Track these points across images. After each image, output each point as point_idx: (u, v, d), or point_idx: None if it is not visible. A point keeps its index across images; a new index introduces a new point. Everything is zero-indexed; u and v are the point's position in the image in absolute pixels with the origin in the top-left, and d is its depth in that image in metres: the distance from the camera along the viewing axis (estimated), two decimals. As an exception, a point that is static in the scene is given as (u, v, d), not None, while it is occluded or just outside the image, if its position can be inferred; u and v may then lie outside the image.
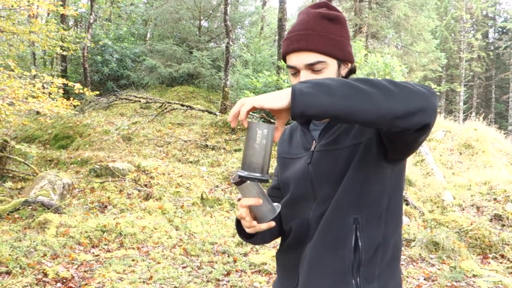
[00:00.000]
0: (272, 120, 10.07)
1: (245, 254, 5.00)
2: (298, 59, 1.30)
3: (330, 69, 1.31)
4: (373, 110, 0.99)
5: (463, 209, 6.66)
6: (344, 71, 1.37)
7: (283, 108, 1.04)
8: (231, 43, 12.06)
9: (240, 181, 1.20)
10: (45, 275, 4.11)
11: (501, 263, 5.18)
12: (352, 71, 1.41)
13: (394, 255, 1.34)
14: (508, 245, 5.51)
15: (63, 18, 15.41)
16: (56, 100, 7.68)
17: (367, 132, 1.26)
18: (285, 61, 1.38)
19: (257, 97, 1.05)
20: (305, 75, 1.30)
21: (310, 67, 1.29)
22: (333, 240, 1.28)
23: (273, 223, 1.29)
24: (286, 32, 12.37)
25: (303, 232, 1.39)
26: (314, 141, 1.40)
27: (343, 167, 1.28)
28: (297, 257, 1.41)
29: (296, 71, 1.32)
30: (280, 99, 1.03)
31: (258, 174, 1.08)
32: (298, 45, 1.29)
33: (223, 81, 12.05)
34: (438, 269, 4.86)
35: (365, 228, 1.27)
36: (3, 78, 7.03)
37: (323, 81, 1.02)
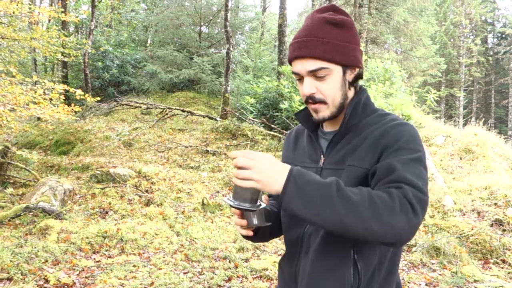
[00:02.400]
0: (272, 126, 10.09)
1: (247, 260, 5.00)
2: (301, 65, 1.30)
3: (334, 76, 1.30)
4: (340, 229, 1.10)
5: (464, 214, 6.65)
6: (350, 76, 1.35)
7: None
8: (231, 49, 12.09)
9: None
10: (47, 281, 4.10)
11: (502, 268, 5.17)
12: (359, 76, 1.38)
13: (391, 270, 1.34)
14: (509, 250, 5.50)
15: (64, 24, 15.47)
16: (57, 106, 7.71)
17: (367, 161, 1.25)
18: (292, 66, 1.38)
19: (258, 178, 1.12)
20: (309, 82, 1.31)
21: (313, 73, 1.29)
22: (332, 263, 1.29)
23: (250, 233, 1.37)
24: (286, 38, 12.43)
25: (299, 244, 1.40)
26: (322, 155, 1.40)
27: (354, 184, 1.26)
28: (294, 271, 1.42)
29: (300, 77, 1.33)
30: (275, 186, 1.12)
31: (247, 205, 1.17)
32: (300, 52, 1.29)
33: (224, 86, 12.08)
34: (440, 275, 4.85)
35: (363, 250, 1.27)
36: (4, 84, 7.06)
37: (309, 191, 1.10)
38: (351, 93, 1.39)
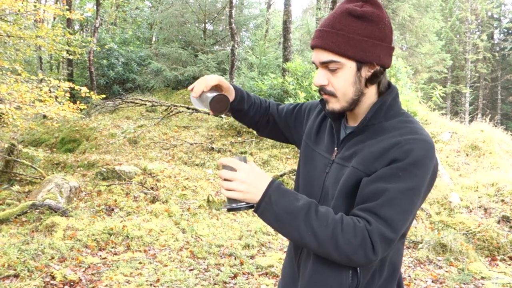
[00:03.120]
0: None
1: (252, 257, 5.00)
2: (316, 55, 1.29)
3: (346, 70, 1.26)
4: (305, 247, 1.25)
5: (471, 211, 6.62)
6: (367, 73, 1.28)
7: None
8: (236, 46, 12.08)
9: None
10: (53, 278, 4.12)
11: (509, 265, 5.14)
12: (377, 74, 1.30)
13: (392, 272, 1.34)
14: (516, 247, 5.47)
15: (69, 22, 15.52)
16: (63, 104, 7.72)
17: (373, 168, 1.23)
18: None
19: (240, 189, 1.23)
20: (321, 73, 1.30)
21: (325, 65, 1.27)
22: (331, 263, 1.29)
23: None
24: (291, 35, 12.40)
25: None
26: (336, 148, 1.39)
27: (350, 186, 1.27)
28: (295, 268, 1.45)
29: (316, 66, 1.32)
30: (254, 197, 1.23)
31: (243, 204, 1.25)
32: (315, 41, 1.28)
33: (229, 84, 12.04)
34: (446, 271, 4.83)
35: None
36: (10, 82, 7.08)
37: (279, 213, 1.20)
38: (371, 90, 1.32)
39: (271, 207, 1.20)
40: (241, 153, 9.17)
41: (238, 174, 1.21)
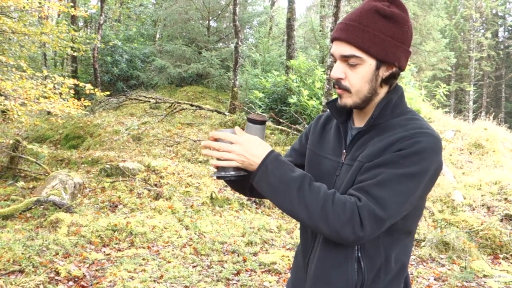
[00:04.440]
0: (281, 120, 10.09)
1: (255, 254, 5.02)
2: (337, 48, 1.28)
3: (366, 67, 1.26)
4: (295, 219, 1.26)
5: (474, 209, 6.63)
6: (384, 73, 1.29)
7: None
8: (240, 43, 12.07)
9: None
10: (57, 273, 4.15)
11: (512, 263, 5.15)
12: (395, 75, 1.31)
13: (400, 270, 1.34)
14: (519, 245, 5.48)
15: (73, 19, 15.56)
16: (67, 101, 7.75)
17: (374, 159, 1.24)
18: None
19: (243, 150, 1.27)
20: (339, 66, 1.29)
21: (345, 59, 1.26)
22: (337, 258, 1.30)
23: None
24: (295, 32, 12.39)
25: (312, 238, 1.43)
26: (344, 150, 1.38)
27: (355, 179, 1.27)
28: (306, 263, 1.45)
29: (335, 59, 1.31)
30: (255, 159, 1.26)
31: (233, 173, 1.30)
32: (339, 34, 1.26)
33: (232, 81, 12.07)
34: (449, 269, 4.84)
35: (367, 249, 1.28)
36: (15, 79, 7.11)
37: (274, 181, 1.24)
38: (383, 90, 1.33)
39: (266, 176, 1.24)
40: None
41: (235, 147, 1.26)
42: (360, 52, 1.24)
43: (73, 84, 7.82)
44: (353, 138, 1.35)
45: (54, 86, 7.79)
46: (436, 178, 1.26)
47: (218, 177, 1.32)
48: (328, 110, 1.49)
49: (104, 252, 4.85)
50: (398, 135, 1.23)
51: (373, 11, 1.24)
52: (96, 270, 4.33)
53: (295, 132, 9.42)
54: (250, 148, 1.26)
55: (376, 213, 1.15)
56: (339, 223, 1.16)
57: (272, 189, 1.24)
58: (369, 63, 1.25)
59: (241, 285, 4.20)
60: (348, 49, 1.25)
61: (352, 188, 1.23)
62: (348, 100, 1.31)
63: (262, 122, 1.34)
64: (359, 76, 1.27)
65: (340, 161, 1.38)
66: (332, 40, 1.31)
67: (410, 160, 1.18)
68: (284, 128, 9.77)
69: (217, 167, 1.32)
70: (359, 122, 1.40)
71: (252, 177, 1.27)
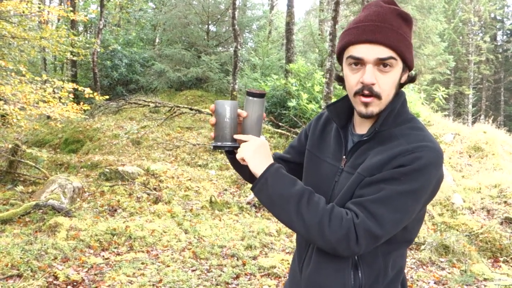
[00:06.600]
0: (280, 124, 10.09)
1: (254, 258, 5.01)
2: (369, 51, 1.18)
3: (396, 71, 1.21)
4: (293, 231, 1.28)
5: (473, 212, 6.62)
6: (404, 77, 1.27)
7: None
8: (239, 47, 12.10)
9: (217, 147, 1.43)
10: (56, 278, 4.14)
11: (512, 266, 5.14)
12: (413, 79, 1.29)
13: (397, 274, 1.33)
14: (519, 248, 5.46)
15: (73, 23, 15.57)
16: (67, 105, 7.75)
17: (374, 173, 1.22)
18: (343, 51, 1.26)
19: (247, 156, 1.30)
20: (371, 71, 1.19)
21: (381, 62, 1.18)
22: (334, 264, 1.29)
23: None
24: (294, 36, 12.41)
25: (305, 243, 1.43)
26: (344, 156, 1.35)
27: (353, 192, 1.25)
28: (300, 267, 1.44)
29: (359, 63, 1.21)
30: (256, 170, 1.28)
31: (229, 143, 1.36)
32: (373, 36, 1.17)
33: (232, 85, 12.09)
34: (449, 273, 4.83)
35: (364, 256, 1.27)
36: (14, 83, 7.11)
37: (273, 195, 1.24)
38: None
39: (266, 188, 1.24)
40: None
41: (244, 146, 1.32)
42: (396, 55, 1.19)
43: (72, 88, 7.81)
44: (354, 146, 1.32)
45: (53, 90, 7.80)
46: (437, 190, 1.24)
47: (215, 147, 1.38)
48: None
49: (103, 256, 4.83)
50: (399, 147, 1.20)
51: (396, 14, 1.20)
52: (95, 275, 4.32)
53: (294, 136, 9.42)
54: (258, 151, 1.30)
55: (373, 230, 1.15)
56: (335, 239, 1.16)
57: (271, 202, 1.25)
58: (399, 66, 1.22)
59: (240, 289, 4.19)
60: (386, 52, 1.18)
61: (350, 201, 1.22)
62: (375, 109, 1.23)
63: (261, 95, 1.36)
64: (390, 81, 1.21)
65: (339, 166, 1.35)
66: (355, 43, 1.21)
67: (411, 177, 1.16)
68: (283, 131, 9.77)
69: (214, 137, 1.38)
70: (360, 128, 1.36)
71: (252, 187, 1.29)
